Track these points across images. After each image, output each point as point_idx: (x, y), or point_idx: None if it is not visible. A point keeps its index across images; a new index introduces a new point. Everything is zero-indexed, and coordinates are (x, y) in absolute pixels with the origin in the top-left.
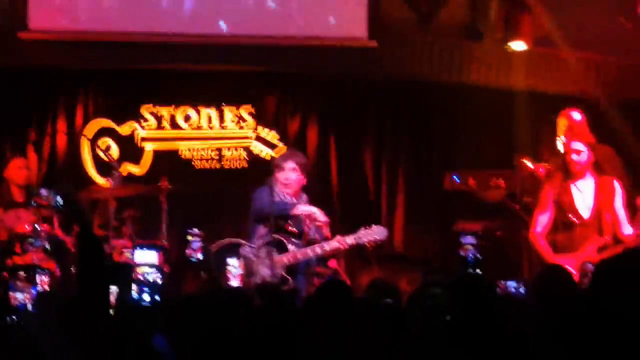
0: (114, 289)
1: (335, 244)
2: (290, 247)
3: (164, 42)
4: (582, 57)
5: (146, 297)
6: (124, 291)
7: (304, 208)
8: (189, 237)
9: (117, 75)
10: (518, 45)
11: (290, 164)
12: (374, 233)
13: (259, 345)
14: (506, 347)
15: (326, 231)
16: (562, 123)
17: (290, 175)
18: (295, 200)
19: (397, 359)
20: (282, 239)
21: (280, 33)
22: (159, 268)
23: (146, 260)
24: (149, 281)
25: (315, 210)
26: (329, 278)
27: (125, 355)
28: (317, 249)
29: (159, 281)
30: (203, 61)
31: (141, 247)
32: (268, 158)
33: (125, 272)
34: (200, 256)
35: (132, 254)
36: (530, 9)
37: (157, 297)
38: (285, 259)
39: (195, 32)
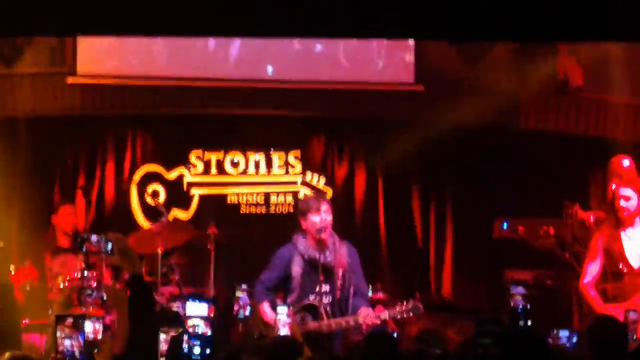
0: (163, 337)
1: (369, 319)
2: (324, 313)
3: (212, 87)
4: (632, 103)
5: (197, 350)
6: (176, 341)
7: (370, 319)
8: (238, 293)
9: (165, 120)
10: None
11: (324, 206)
12: (409, 310)
13: None
14: None
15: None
16: (611, 170)
17: (326, 217)
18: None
19: None
20: (316, 305)
21: (327, 77)
22: (209, 320)
23: (197, 312)
24: (200, 334)
25: (376, 318)
26: (375, 329)
27: None
28: (351, 321)
29: (209, 333)
30: (250, 106)
31: (193, 299)
32: None
33: (178, 321)
34: (247, 312)
35: (183, 306)
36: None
37: (207, 350)
38: (318, 328)
39: (243, 77)
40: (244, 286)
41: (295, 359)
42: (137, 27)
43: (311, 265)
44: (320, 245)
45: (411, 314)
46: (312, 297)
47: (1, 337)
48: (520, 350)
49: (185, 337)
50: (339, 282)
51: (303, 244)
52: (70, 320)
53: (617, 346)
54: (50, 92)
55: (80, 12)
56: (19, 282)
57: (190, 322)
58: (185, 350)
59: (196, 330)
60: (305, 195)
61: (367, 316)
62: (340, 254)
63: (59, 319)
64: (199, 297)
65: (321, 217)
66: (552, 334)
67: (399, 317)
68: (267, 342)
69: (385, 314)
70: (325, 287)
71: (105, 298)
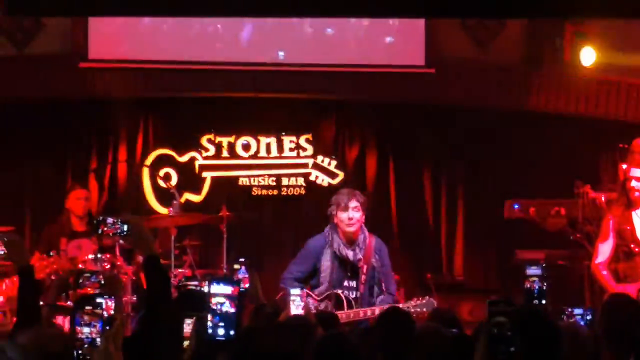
0: (188, 321)
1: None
2: (345, 303)
3: (223, 70)
4: None
5: (221, 331)
6: (201, 323)
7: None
8: (235, 266)
9: (177, 104)
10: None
11: (353, 203)
12: (423, 305)
13: None
14: None
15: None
16: (631, 150)
17: (354, 215)
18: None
19: None
20: (342, 295)
21: (338, 60)
22: (232, 298)
23: (221, 290)
24: (225, 312)
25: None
26: (389, 307)
27: None
28: (369, 312)
29: (232, 312)
30: (261, 89)
31: (217, 282)
32: (326, 185)
33: (202, 302)
34: (247, 286)
35: (208, 285)
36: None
37: (231, 331)
38: (339, 317)
39: (254, 60)
40: (241, 260)
41: (308, 337)
42: (148, 7)
43: (340, 260)
44: (350, 241)
45: (425, 310)
46: (339, 292)
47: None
48: (534, 329)
49: (210, 316)
50: (363, 278)
51: (336, 240)
52: (89, 307)
53: (632, 324)
54: (63, 76)
55: None
56: (43, 271)
57: (214, 300)
58: (210, 331)
59: (222, 309)
60: (340, 190)
61: (382, 309)
62: (368, 251)
63: (78, 305)
64: (224, 280)
65: (348, 214)
66: (567, 312)
67: (412, 311)
68: (280, 322)
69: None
70: (352, 283)
71: (102, 282)
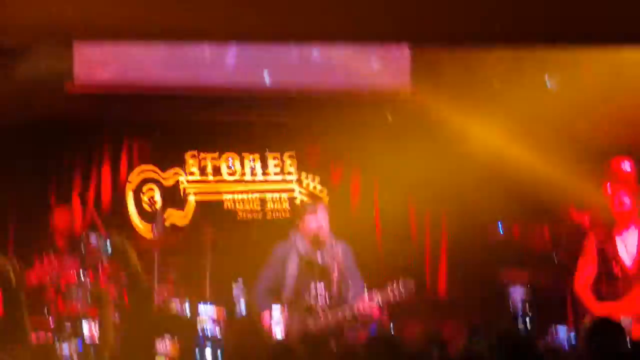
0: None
1: (364, 304)
2: (320, 312)
3: (208, 94)
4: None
5: (208, 354)
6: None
7: (365, 305)
8: (233, 285)
9: (161, 127)
10: None
11: (321, 208)
12: (400, 289)
13: None
14: None
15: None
16: (610, 171)
17: (322, 221)
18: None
19: None
20: (312, 303)
21: (323, 83)
22: (218, 323)
23: (207, 313)
24: (210, 336)
25: (372, 304)
26: (372, 330)
27: None
28: (347, 311)
29: (219, 336)
30: (247, 112)
31: (204, 302)
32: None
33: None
34: (242, 307)
35: (181, 307)
36: None
37: (218, 353)
38: (318, 324)
39: (239, 84)
40: (239, 281)
41: None
42: (134, 32)
43: (307, 264)
44: (317, 245)
45: (403, 293)
46: (306, 296)
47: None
48: (516, 351)
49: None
50: (335, 278)
51: (301, 243)
52: (68, 324)
53: (616, 348)
54: (49, 99)
55: (77, 17)
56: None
57: (199, 325)
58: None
59: (207, 333)
60: (302, 201)
61: (362, 303)
62: (336, 253)
63: (58, 324)
64: (205, 300)
65: (317, 218)
66: (551, 331)
67: (391, 298)
68: (267, 348)
69: (378, 298)
70: (320, 286)
71: (89, 298)
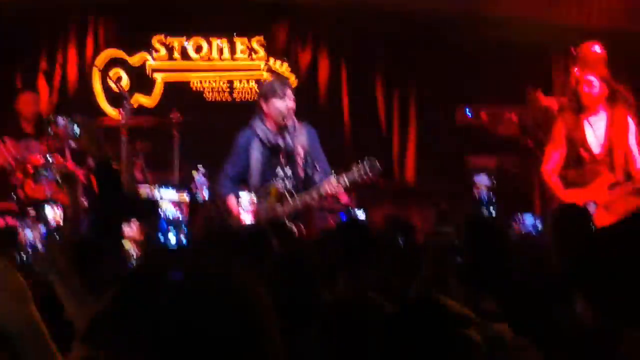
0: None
1: (331, 186)
2: (287, 195)
3: None
4: None
5: (172, 238)
6: (152, 229)
7: (332, 187)
8: (195, 175)
9: (128, 5)
10: None
11: (288, 91)
12: (367, 169)
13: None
14: (517, 291)
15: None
16: (579, 55)
17: (290, 103)
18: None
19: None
20: (279, 188)
21: None
22: (180, 205)
23: (168, 197)
24: (172, 219)
25: (339, 186)
26: (342, 215)
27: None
28: (315, 194)
29: (181, 218)
30: None
31: (165, 186)
32: None
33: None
34: (205, 195)
35: (157, 191)
36: None
37: (182, 238)
38: (286, 209)
39: None
40: (201, 168)
41: (265, 248)
42: None
43: (271, 150)
44: (281, 129)
45: (370, 173)
46: (273, 181)
47: None
48: (481, 238)
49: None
50: (301, 162)
51: (262, 129)
52: (31, 210)
53: (582, 233)
54: None
55: None
56: None
57: (161, 209)
58: (162, 238)
59: (167, 216)
60: (267, 79)
61: (328, 185)
62: (300, 136)
63: (21, 209)
64: (168, 183)
65: (286, 102)
66: (517, 218)
67: (358, 179)
68: (235, 232)
69: (344, 179)
70: (287, 171)
71: (59, 180)
